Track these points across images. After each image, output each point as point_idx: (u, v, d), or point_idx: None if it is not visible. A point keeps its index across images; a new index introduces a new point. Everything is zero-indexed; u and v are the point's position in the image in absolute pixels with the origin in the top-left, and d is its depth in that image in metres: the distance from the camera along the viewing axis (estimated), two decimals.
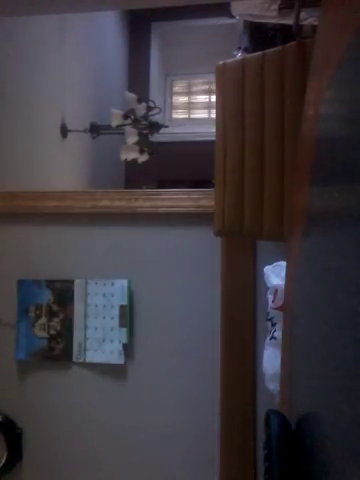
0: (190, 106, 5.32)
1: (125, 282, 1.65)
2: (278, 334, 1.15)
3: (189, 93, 5.34)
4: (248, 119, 1.31)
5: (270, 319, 1.22)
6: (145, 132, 3.34)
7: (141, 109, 3.26)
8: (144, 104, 3.29)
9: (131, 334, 1.64)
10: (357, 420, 0.39)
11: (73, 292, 1.69)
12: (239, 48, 3.02)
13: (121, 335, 1.63)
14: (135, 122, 3.24)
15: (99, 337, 1.65)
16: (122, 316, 1.64)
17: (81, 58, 3.42)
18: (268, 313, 1.23)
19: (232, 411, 1.55)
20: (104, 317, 1.66)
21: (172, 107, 5.28)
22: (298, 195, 0.88)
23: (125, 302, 1.64)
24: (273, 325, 1.21)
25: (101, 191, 1.76)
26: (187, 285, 1.64)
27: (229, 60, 1.42)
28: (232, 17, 2.60)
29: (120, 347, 1.63)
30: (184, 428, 1.61)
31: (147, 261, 1.67)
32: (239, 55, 2.86)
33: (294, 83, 1.22)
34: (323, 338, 0.53)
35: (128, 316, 1.64)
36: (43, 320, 1.70)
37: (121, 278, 1.66)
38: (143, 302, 1.66)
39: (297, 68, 1.22)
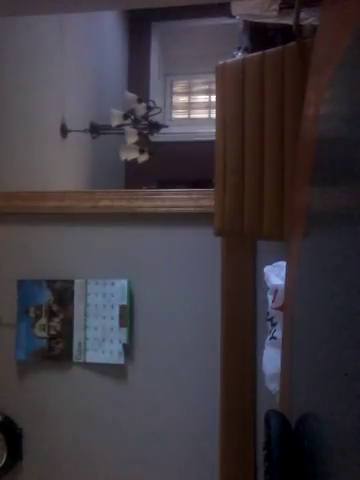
0: (190, 106, 5.32)
1: (125, 282, 1.65)
2: (278, 334, 1.15)
3: (189, 93, 5.33)
4: (248, 119, 1.31)
5: (270, 319, 1.22)
6: (145, 132, 3.34)
7: (141, 109, 3.25)
8: (144, 104, 3.28)
9: (131, 334, 1.64)
10: (357, 420, 0.39)
11: (73, 292, 1.69)
12: (239, 48, 3.02)
13: (121, 335, 1.63)
14: (135, 122, 3.24)
15: (99, 337, 1.65)
16: (122, 316, 1.64)
17: (81, 58, 3.42)
18: (268, 313, 1.23)
19: (232, 411, 1.55)
20: (104, 317, 1.66)
21: (172, 107, 5.28)
22: (298, 195, 0.88)
23: (125, 302, 1.64)
24: (273, 325, 1.21)
25: (101, 191, 1.76)
26: (187, 285, 1.64)
27: (229, 60, 1.42)
28: (232, 17, 2.59)
29: (120, 347, 1.63)
30: (184, 428, 1.61)
31: (147, 261, 1.67)
32: (239, 55, 2.86)
33: (294, 83, 1.22)
34: (323, 338, 0.53)
35: (128, 316, 1.64)
36: (43, 320, 1.70)
37: (121, 278, 1.66)
38: (143, 302, 1.66)
39: (297, 68, 1.22)
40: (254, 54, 1.36)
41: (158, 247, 1.68)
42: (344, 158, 0.48)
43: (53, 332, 1.69)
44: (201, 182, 2.22)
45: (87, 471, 1.66)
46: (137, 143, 3.24)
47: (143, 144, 3.32)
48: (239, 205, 1.33)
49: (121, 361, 1.63)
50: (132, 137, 3.15)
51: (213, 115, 3.65)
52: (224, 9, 2.48)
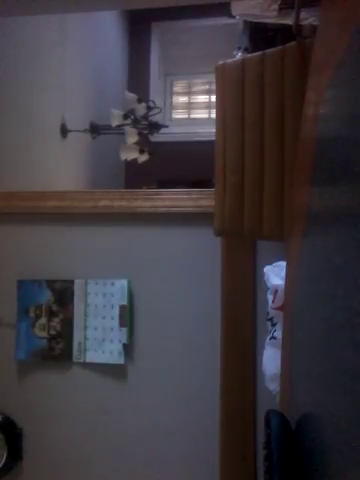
0: (190, 106, 5.32)
1: (125, 282, 1.65)
2: (278, 334, 1.15)
3: (189, 93, 5.34)
4: (248, 119, 1.31)
5: (270, 319, 1.22)
6: (145, 132, 3.34)
7: (141, 109, 3.26)
8: (144, 104, 3.28)
9: (131, 334, 1.64)
10: (357, 420, 0.39)
11: (73, 292, 1.69)
12: (239, 48, 3.02)
13: (121, 335, 1.63)
14: (135, 122, 3.24)
15: (99, 337, 1.65)
16: (122, 316, 1.64)
17: (81, 58, 3.42)
18: (268, 313, 1.23)
19: (232, 411, 1.55)
20: (104, 317, 1.66)
21: (172, 107, 5.29)
22: (298, 195, 0.88)
23: (125, 302, 1.64)
24: (273, 325, 1.21)
25: (101, 191, 1.76)
26: (187, 285, 1.64)
27: (229, 60, 1.42)
28: (232, 17, 2.59)
29: (120, 347, 1.63)
30: (184, 428, 1.61)
31: (147, 261, 1.67)
32: (239, 55, 2.86)
33: (294, 83, 1.22)
34: (323, 338, 0.53)
35: (128, 316, 1.64)
36: (43, 320, 1.70)
37: (121, 278, 1.66)
38: (143, 302, 1.66)
39: (297, 68, 1.22)
40: (254, 54, 1.36)
41: (158, 247, 1.68)
42: (344, 158, 0.48)
43: (53, 332, 1.69)
44: (201, 182, 2.23)
45: (87, 471, 1.66)
46: (137, 143, 3.24)
47: (143, 144, 3.32)
48: (239, 205, 1.33)
49: (121, 361, 1.63)
50: (132, 137, 3.15)
51: (213, 115, 3.65)
52: (224, 9, 2.49)
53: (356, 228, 0.42)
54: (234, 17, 2.60)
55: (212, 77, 1.44)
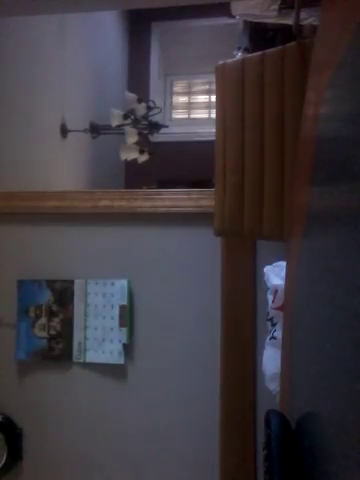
0: (190, 106, 5.32)
1: (125, 282, 1.65)
2: (278, 334, 1.15)
3: (189, 93, 5.33)
4: (248, 119, 1.31)
5: (270, 319, 1.22)
6: (145, 132, 3.34)
7: (141, 109, 3.25)
8: (144, 104, 3.28)
9: (131, 334, 1.64)
10: (357, 420, 0.39)
11: (73, 292, 1.69)
12: (239, 48, 3.02)
13: (121, 335, 1.63)
14: (135, 122, 3.24)
15: (99, 337, 1.65)
16: (122, 316, 1.64)
17: (81, 58, 3.42)
18: (268, 313, 1.23)
19: (232, 411, 1.54)
20: (104, 317, 1.66)
21: (172, 107, 5.28)
22: (298, 195, 0.88)
23: (125, 302, 1.64)
24: (273, 325, 1.21)
25: (101, 191, 1.76)
26: (187, 285, 1.64)
27: (229, 60, 1.42)
28: (232, 17, 2.59)
29: (120, 347, 1.63)
30: (184, 428, 1.61)
31: (147, 261, 1.67)
32: (239, 55, 2.86)
33: (294, 83, 1.22)
34: (323, 338, 0.53)
35: (128, 316, 1.64)
36: (43, 320, 1.70)
37: (121, 278, 1.66)
38: (143, 302, 1.66)
39: (297, 68, 1.22)
40: (254, 54, 1.36)
41: (158, 247, 1.68)
42: (344, 158, 0.48)
43: (53, 332, 1.69)
44: (201, 182, 2.23)
45: (87, 471, 1.66)
46: (137, 143, 3.23)
47: (143, 144, 3.32)
48: (239, 205, 1.33)
49: (121, 361, 1.63)
50: (132, 137, 3.15)
51: (213, 115, 3.65)
52: (224, 9, 2.49)
53: (356, 228, 0.42)
54: (234, 17, 2.60)
55: (212, 77, 1.44)
